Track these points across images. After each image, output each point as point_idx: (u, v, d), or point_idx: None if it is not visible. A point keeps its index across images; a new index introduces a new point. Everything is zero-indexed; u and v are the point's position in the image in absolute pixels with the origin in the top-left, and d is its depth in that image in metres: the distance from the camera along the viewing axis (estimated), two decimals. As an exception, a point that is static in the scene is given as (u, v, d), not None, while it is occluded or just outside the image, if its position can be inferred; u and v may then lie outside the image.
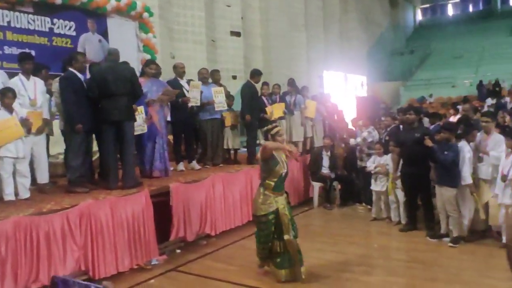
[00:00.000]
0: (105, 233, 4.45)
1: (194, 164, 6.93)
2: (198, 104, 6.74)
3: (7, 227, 3.72)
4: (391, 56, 29.51)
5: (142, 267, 4.83)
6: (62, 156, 6.08)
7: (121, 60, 5.56)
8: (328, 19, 19.50)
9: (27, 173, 4.84)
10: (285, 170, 4.36)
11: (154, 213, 5.04)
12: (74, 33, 7.71)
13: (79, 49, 7.52)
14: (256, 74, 7.51)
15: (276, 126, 4.46)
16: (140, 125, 5.89)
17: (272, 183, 4.27)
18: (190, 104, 6.64)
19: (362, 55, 22.89)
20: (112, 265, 4.49)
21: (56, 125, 5.75)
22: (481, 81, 19.74)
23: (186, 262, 5.07)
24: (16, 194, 4.68)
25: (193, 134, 7.05)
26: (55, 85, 5.38)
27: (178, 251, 5.45)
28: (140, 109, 5.90)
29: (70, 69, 5.20)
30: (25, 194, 4.75)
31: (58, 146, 6.05)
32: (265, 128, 4.52)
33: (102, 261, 4.39)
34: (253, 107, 7.40)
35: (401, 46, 31.64)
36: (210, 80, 7.31)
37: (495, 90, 18.59)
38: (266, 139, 4.43)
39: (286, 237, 4.25)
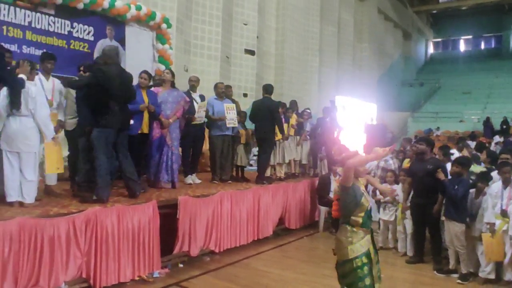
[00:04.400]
0: (109, 241, 4.33)
1: (195, 177, 6.87)
2: (202, 121, 6.82)
3: (12, 228, 3.61)
4: (401, 87, 29.67)
5: (144, 279, 4.70)
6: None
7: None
8: (342, 46, 19.66)
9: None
10: (371, 203, 3.45)
11: (160, 225, 4.93)
12: (92, 38, 7.72)
13: (96, 55, 7.52)
14: (272, 90, 7.47)
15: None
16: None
17: (360, 219, 3.30)
18: (195, 122, 6.68)
19: (372, 83, 22.99)
20: (114, 275, 4.36)
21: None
22: (488, 118, 19.72)
23: (189, 278, 4.93)
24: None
25: (201, 148, 6.99)
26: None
27: (181, 265, 5.32)
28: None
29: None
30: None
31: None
32: None
33: (105, 270, 4.27)
34: (273, 124, 7.27)
35: (411, 77, 31.82)
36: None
37: (502, 128, 18.56)
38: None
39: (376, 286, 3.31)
